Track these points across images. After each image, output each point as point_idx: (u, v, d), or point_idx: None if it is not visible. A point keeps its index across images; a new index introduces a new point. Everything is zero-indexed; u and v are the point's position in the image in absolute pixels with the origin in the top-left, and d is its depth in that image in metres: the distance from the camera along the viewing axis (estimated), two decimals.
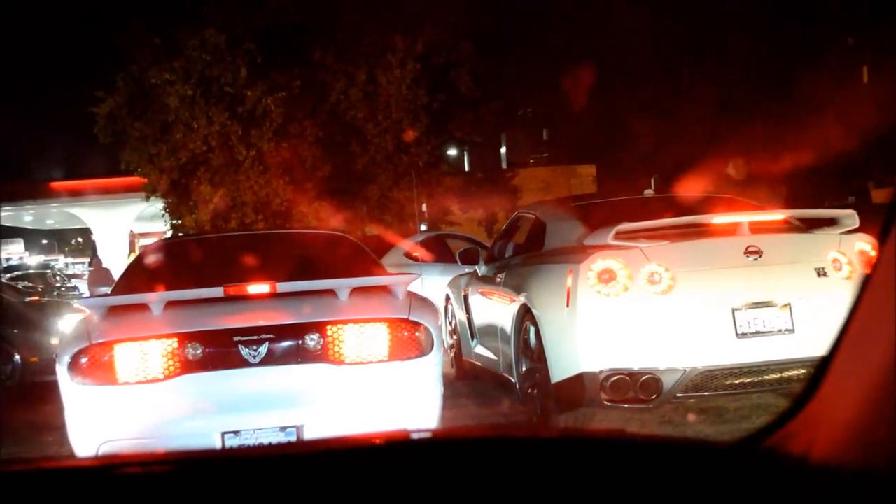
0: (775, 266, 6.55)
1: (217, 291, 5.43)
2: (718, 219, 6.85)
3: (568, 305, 6.61)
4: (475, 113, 28.27)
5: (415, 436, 1.81)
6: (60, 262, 65.13)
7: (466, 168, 37.93)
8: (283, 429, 5.35)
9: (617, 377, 6.40)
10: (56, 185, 38.63)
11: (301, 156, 24.69)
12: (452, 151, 32.53)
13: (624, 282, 6.47)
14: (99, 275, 22.40)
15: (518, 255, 8.61)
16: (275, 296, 5.51)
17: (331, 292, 5.62)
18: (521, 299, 7.50)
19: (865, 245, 6.62)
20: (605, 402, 6.49)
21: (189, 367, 5.30)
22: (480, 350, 9.20)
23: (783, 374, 6.46)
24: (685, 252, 6.61)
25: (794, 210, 7.48)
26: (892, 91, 23.13)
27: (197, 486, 1.55)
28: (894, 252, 1.37)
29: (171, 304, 5.47)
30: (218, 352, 5.34)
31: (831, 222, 6.96)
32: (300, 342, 5.39)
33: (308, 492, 1.50)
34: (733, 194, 8.72)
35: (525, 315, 7.46)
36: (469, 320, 9.66)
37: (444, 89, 26.91)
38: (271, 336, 5.38)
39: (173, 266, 6.98)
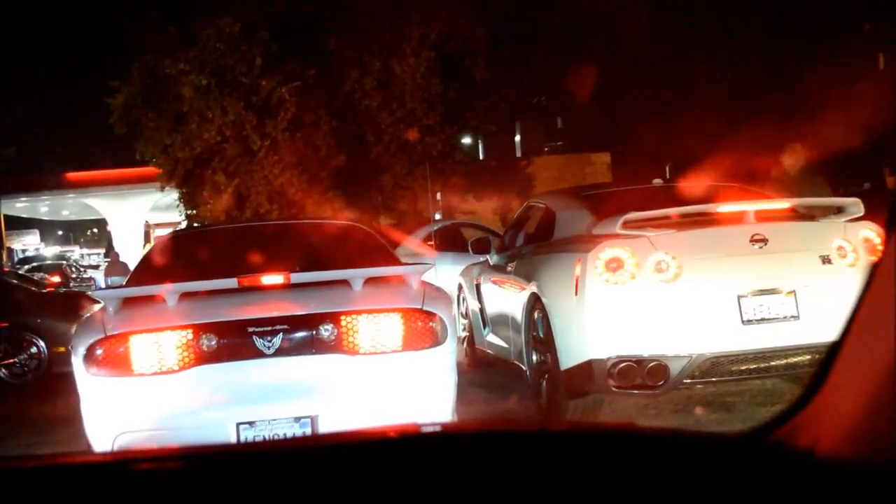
0: (780, 254, 6.62)
1: (231, 282, 5.45)
2: (724, 207, 6.92)
3: (576, 294, 6.70)
4: (489, 101, 28.23)
5: (425, 429, 1.82)
6: (76, 252, 65.44)
7: (481, 157, 37.88)
8: (297, 419, 5.36)
9: (625, 364, 6.49)
10: (71, 175, 38.82)
11: (315, 145, 24.71)
12: (467, 140, 32.47)
13: (631, 270, 6.55)
14: (115, 266, 22.49)
15: (528, 244, 8.69)
16: (289, 286, 5.52)
17: (345, 282, 5.62)
18: (531, 288, 7.58)
19: (870, 233, 6.69)
20: (613, 389, 6.59)
21: (204, 358, 5.32)
22: (492, 338, 9.28)
23: (789, 360, 6.55)
24: (692, 240, 6.68)
25: (799, 199, 7.53)
26: None
27: (210, 480, 1.56)
28: None
29: (185, 296, 5.49)
30: (232, 343, 5.35)
31: (836, 210, 7.04)
32: (314, 333, 5.40)
33: (321, 486, 1.51)
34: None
35: (535, 303, 7.54)
36: (481, 309, 9.74)
37: (459, 78, 26.88)
38: (286, 327, 5.39)
39: (187, 257, 7.00)
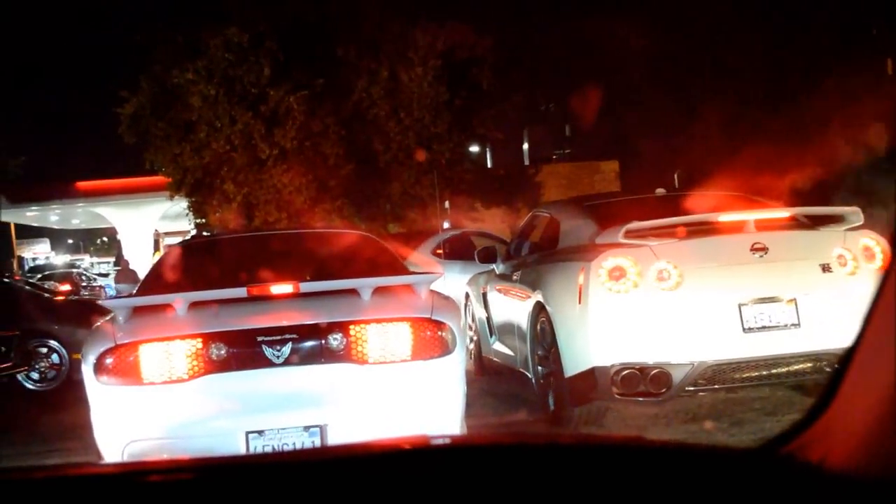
0: (781, 262, 6.70)
1: (241, 292, 5.46)
2: (725, 217, 6.99)
3: (580, 302, 6.80)
4: (497, 109, 28.25)
5: (435, 442, 1.82)
6: (86, 261, 65.60)
7: (489, 165, 37.88)
8: (306, 428, 5.36)
9: (628, 371, 6.58)
10: (81, 184, 38.88)
11: (323, 154, 24.75)
12: (475, 148, 32.49)
13: (634, 278, 6.65)
14: (125, 275, 22.54)
15: (534, 253, 8.80)
16: (298, 296, 5.53)
17: (354, 292, 5.63)
18: (536, 296, 7.67)
19: (870, 241, 6.78)
20: (617, 396, 6.68)
21: (213, 367, 5.33)
22: (499, 346, 9.34)
23: (790, 368, 6.62)
24: (693, 249, 6.78)
25: (800, 207, 7.60)
26: None
27: (219, 492, 1.56)
28: None
29: (195, 305, 5.50)
30: (242, 352, 5.36)
31: (837, 219, 7.11)
32: (323, 342, 5.40)
33: (331, 499, 1.51)
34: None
35: (540, 312, 7.62)
36: (488, 317, 9.80)
37: (466, 86, 26.90)
38: (295, 336, 5.40)
39: (197, 266, 7.02)
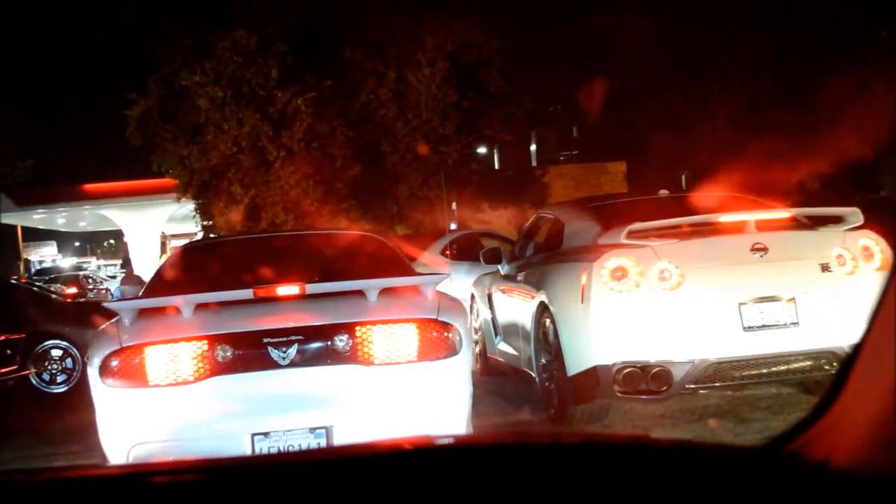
0: (780, 262, 6.77)
1: (246, 293, 5.44)
2: (726, 217, 7.07)
3: (582, 302, 6.88)
4: (504, 111, 28.27)
5: (439, 442, 1.81)
6: (93, 264, 65.71)
7: (496, 166, 37.90)
8: (312, 430, 5.35)
9: (629, 370, 6.65)
10: (88, 187, 38.99)
11: (331, 156, 24.79)
12: (482, 150, 32.52)
13: (635, 278, 6.72)
14: (130, 278, 22.58)
15: (538, 254, 8.89)
16: (304, 297, 5.51)
17: (360, 293, 5.61)
18: (540, 297, 7.75)
19: (869, 241, 6.85)
20: (619, 394, 6.75)
21: (219, 369, 5.31)
22: (503, 346, 9.41)
23: (790, 366, 6.70)
24: (694, 249, 6.85)
25: (799, 208, 7.67)
26: None
27: (225, 494, 1.56)
28: None
29: (200, 307, 5.49)
30: (248, 354, 5.34)
31: (836, 219, 7.18)
32: (329, 343, 5.39)
33: (335, 499, 1.50)
34: None
35: (543, 312, 7.70)
36: (493, 318, 9.88)
37: (474, 87, 26.92)
38: (301, 337, 5.38)
39: (202, 268, 7.01)
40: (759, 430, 6.82)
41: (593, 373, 6.77)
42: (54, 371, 12.37)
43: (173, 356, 5.32)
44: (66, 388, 12.22)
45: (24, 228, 46.46)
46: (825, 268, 6.72)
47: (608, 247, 7.00)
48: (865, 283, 6.52)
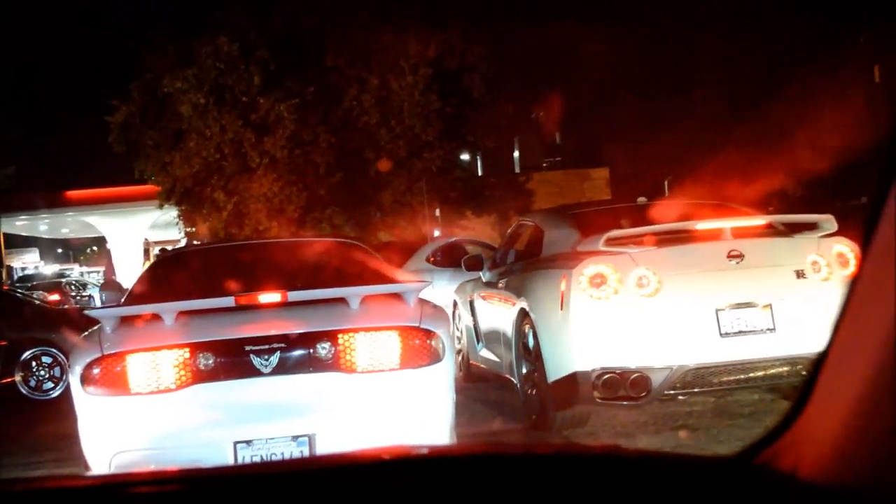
0: (756, 269, 6.83)
1: (228, 301, 5.43)
2: (703, 225, 7.13)
3: (562, 308, 6.93)
4: (487, 117, 28.30)
5: (415, 452, 1.82)
6: (75, 271, 65.36)
7: (479, 173, 37.91)
8: (295, 438, 5.34)
9: (608, 376, 6.70)
10: (71, 194, 38.86)
11: (314, 162, 24.77)
12: (465, 156, 32.54)
13: (614, 285, 6.77)
14: (109, 285, 22.46)
15: (518, 261, 8.96)
16: (286, 305, 5.51)
17: (342, 301, 5.61)
18: (521, 303, 7.80)
19: (843, 248, 6.91)
20: (598, 400, 6.78)
21: (201, 376, 5.29)
22: (485, 353, 9.44)
23: (767, 372, 6.76)
24: (671, 256, 6.90)
25: (774, 215, 7.74)
26: None
27: (206, 503, 1.57)
28: (876, 266, 1.37)
29: (182, 314, 5.47)
30: (229, 361, 5.33)
31: (811, 226, 7.23)
32: (311, 351, 5.38)
33: None
34: None
35: (524, 318, 7.74)
36: (475, 325, 9.91)
37: (457, 94, 26.95)
38: (283, 345, 5.37)
39: (184, 276, 6.99)
40: (741, 437, 6.84)
41: (573, 379, 6.81)
42: (41, 378, 12.32)
43: (155, 364, 5.30)
44: (54, 395, 12.17)
45: (6, 235, 46.22)
46: (800, 274, 6.78)
47: (587, 254, 7.04)
48: (840, 290, 6.54)
